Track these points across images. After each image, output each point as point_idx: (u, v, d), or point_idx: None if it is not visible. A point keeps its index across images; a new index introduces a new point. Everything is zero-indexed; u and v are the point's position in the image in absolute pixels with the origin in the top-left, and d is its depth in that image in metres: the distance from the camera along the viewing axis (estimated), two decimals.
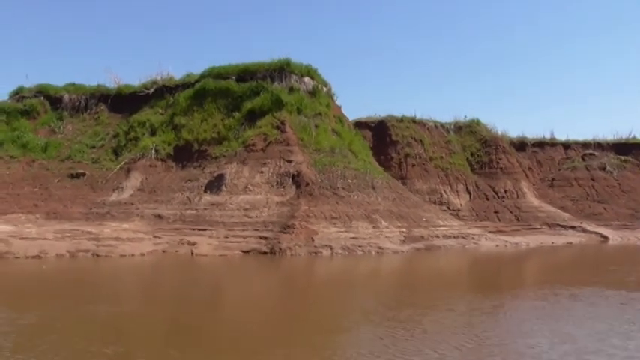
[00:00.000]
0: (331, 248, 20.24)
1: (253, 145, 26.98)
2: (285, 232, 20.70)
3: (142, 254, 19.06)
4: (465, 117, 40.54)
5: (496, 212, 33.53)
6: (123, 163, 29.16)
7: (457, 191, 34.83)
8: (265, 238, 20.87)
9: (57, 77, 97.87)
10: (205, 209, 24.14)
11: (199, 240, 20.70)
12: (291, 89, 29.30)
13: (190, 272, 16.81)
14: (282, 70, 29.89)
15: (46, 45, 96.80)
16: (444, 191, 34.53)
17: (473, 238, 24.55)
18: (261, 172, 25.60)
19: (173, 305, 11.09)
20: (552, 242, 26.84)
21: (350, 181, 25.28)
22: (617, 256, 23.90)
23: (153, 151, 29.00)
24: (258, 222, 22.35)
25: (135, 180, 27.94)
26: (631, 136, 44.80)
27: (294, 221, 21.26)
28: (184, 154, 29.01)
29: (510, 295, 12.72)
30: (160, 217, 24.19)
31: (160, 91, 32.36)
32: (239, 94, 29.66)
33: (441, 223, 25.51)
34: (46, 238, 19.38)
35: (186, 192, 26.18)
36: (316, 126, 28.03)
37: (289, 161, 25.69)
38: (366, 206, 23.86)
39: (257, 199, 24.01)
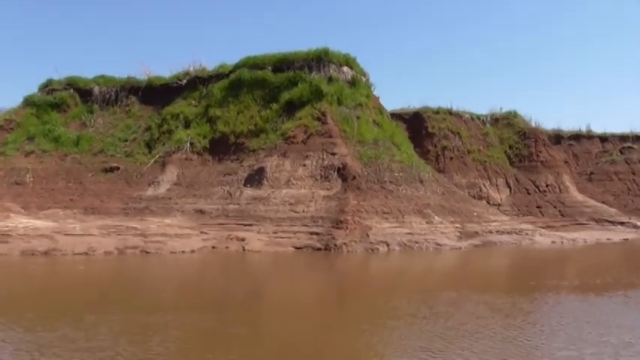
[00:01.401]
0: (387, 244, 19.28)
1: (294, 137, 26.00)
2: (338, 228, 19.74)
3: (192, 251, 18.22)
4: (501, 109, 39.33)
5: (539, 207, 32.34)
6: (157, 156, 28.33)
7: (497, 185, 33.65)
8: (317, 233, 19.94)
9: (86, 69, 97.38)
10: (248, 204, 23.25)
11: (248, 236, 19.81)
12: (330, 79, 28.29)
13: (249, 272, 15.96)
14: (320, 59, 28.88)
15: (75, 37, 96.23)
16: (484, 185, 33.37)
17: (527, 234, 23.46)
18: (304, 165, 24.64)
19: (252, 315, 10.13)
20: (608, 239, 25.63)
21: (397, 174, 24.27)
22: None
23: (188, 144, 28.14)
24: (306, 217, 21.41)
25: (171, 174, 27.10)
26: None
27: (346, 216, 20.30)
28: (220, 147, 28.12)
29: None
30: (202, 212, 23.33)
31: (193, 83, 31.47)
32: (276, 85, 28.71)
33: (492, 218, 24.45)
34: (91, 235, 18.57)
35: (226, 186, 25.30)
36: (357, 117, 27.01)
37: (333, 154, 24.71)
38: (416, 200, 22.84)
39: (302, 193, 23.06)
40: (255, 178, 24.99)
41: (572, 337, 7.87)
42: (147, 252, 17.66)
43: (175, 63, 66.71)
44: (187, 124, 29.60)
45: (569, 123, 62.19)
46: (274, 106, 28.08)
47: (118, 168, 28.05)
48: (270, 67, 29.47)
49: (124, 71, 50.45)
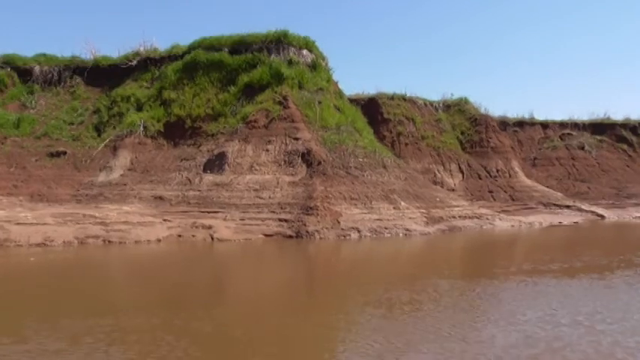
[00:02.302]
0: (358, 231, 19.14)
1: (255, 121, 25.31)
2: (308, 214, 19.39)
3: (158, 240, 17.37)
4: (452, 95, 40.08)
5: (490, 192, 33.23)
6: (108, 140, 26.85)
7: (450, 170, 34.28)
8: (286, 220, 19.52)
9: (25, 47, 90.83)
10: (210, 190, 22.46)
11: (214, 223, 19.09)
12: (290, 62, 27.69)
13: (221, 262, 15.36)
14: (279, 42, 28.19)
15: (12, 12, 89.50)
16: (438, 170, 33.89)
17: (487, 219, 24.02)
18: (267, 151, 24.06)
19: (222, 311, 9.65)
20: (559, 222, 26.70)
21: (361, 159, 24.14)
22: None
23: (141, 128, 26.81)
24: (272, 203, 20.92)
25: (124, 159, 25.78)
26: (606, 117, 45.65)
27: (316, 202, 19.97)
28: (176, 131, 27.01)
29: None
30: (161, 198, 22.33)
31: (144, 64, 30.01)
32: (234, 68, 27.82)
33: (454, 203, 24.83)
34: (46, 224, 17.29)
35: (184, 171, 24.35)
36: (319, 102, 26.60)
37: (296, 139, 24.26)
38: (382, 186, 22.81)
39: (266, 179, 22.52)
40: (216, 163, 24.18)
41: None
42: (109, 241, 16.68)
43: (124, 42, 63.44)
44: (139, 107, 28.21)
45: (513, 110, 64.02)
46: (232, 89, 27.22)
47: (65, 152, 26.38)
48: (227, 49, 28.50)
49: (67, 50, 47.54)
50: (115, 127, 27.54)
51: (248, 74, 27.22)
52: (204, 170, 24.13)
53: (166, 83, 28.34)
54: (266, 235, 18.51)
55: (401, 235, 19.66)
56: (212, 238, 17.86)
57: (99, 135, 27.76)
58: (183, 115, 27.10)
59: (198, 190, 22.63)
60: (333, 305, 9.52)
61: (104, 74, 30.41)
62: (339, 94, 29.73)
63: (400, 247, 18.25)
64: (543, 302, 9.30)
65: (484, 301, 9.62)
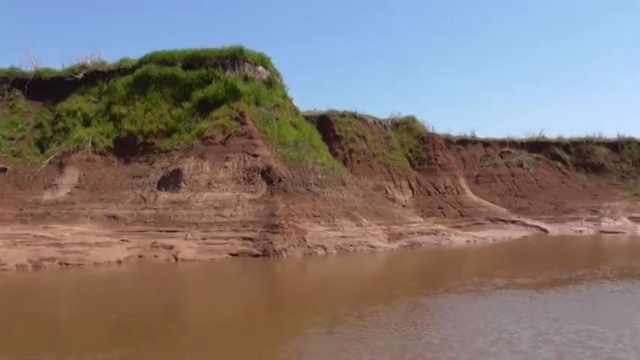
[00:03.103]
0: (325, 248, 19.03)
1: (211, 137, 24.78)
2: (273, 232, 19.06)
3: (119, 261, 16.52)
4: (400, 113, 40.98)
5: (440, 208, 34.04)
6: (53, 156, 25.50)
7: (401, 187, 34.87)
8: (250, 239, 19.10)
9: None
10: (166, 208, 21.71)
11: (176, 243, 18.41)
12: (246, 78, 27.41)
13: (188, 284, 14.74)
14: (234, 57, 27.84)
15: None
16: (389, 187, 34.37)
17: (443, 234, 24.50)
18: (225, 167, 23.58)
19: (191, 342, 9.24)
20: (509, 237, 27.67)
21: (320, 176, 24.12)
22: (590, 246, 25.20)
23: (89, 144, 25.66)
24: (235, 221, 20.45)
25: (71, 176, 24.54)
26: (541, 136, 48.01)
27: (280, 220, 19.68)
28: (127, 148, 26.02)
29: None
30: (114, 217, 21.35)
31: (91, 77, 28.83)
32: (188, 83, 27.21)
33: (411, 219, 25.21)
34: None
35: (137, 189, 23.45)
36: (276, 118, 26.44)
37: (255, 155, 23.93)
38: (343, 203, 22.83)
39: (226, 197, 22.02)
40: (171, 180, 23.43)
41: None
42: (67, 264, 15.68)
43: (68, 55, 60.65)
44: (87, 122, 27.02)
45: (456, 129, 65.99)
46: (187, 104, 26.59)
47: (5, 169, 24.81)
48: (180, 64, 27.86)
49: (5, 60, 44.89)
50: (60, 143, 26.21)
51: (203, 90, 26.70)
52: (159, 188, 23.33)
53: (116, 98, 27.32)
54: (231, 255, 18.02)
55: (366, 251, 19.70)
56: (176, 259, 17.16)
57: (42, 151, 26.34)
58: (134, 130, 26.17)
59: (154, 209, 21.81)
60: (291, 327, 9.24)
61: (47, 87, 28.95)
62: (295, 111, 29.70)
63: (367, 264, 18.28)
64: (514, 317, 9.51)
65: (445, 319, 9.69)
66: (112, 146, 26.02)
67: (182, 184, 23.02)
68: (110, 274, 15.29)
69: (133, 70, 28.22)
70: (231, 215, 20.86)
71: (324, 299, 11.72)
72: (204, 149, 24.36)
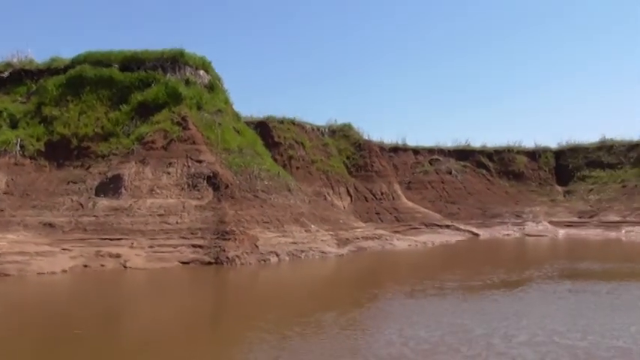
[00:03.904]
0: (277, 255, 18.94)
1: (152, 142, 24.00)
2: (225, 239, 18.73)
3: (64, 271, 15.64)
4: (336, 121, 41.57)
5: (377, 213, 34.80)
6: None
7: (339, 193, 35.33)
8: (200, 246, 18.68)
9: None
10: (107, 215, 20.76)
11: (122, 252, 17.68)
12: (188, 82, 26.82)
13: (136, 293, 14.21)
14: (175, 60, 27.18)
15: None
16: (328, 194, 34.73)
17: (386, 239, 25.10)
18: (168, 173, 22.91)
19: None
20: (446, 240, 28.77)
21: (266, 182, 24.01)
22: (521, 249, 26.59)
23: (18, 147, 24.09)
24: (182, 229, 19.91)
25: None
26: (467, 144, 50.30)
27: (231, 227, 19.39)
28: (60, 151, 24.65)
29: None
30: (50, 225, 20.15)
31: (18, 76, 27.14)
32: (126, 85, 26.23)
33: (355, 225, 25.64)
34: None
35: (73, 195, 22.29)
36: (219, 124, 26.03)
37: (199, 161, 23.42)
38: (290, 209, 22.85)
39: (170, 203, 21.39)
40: (110, 186, 22.45)
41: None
42: (6, 274, 14.67)
43: None
44: (14, 124, 25.35)
45: (389, 136, 67.01)
46: (125, 107, 25.62)
47: None
48: (117, 65, 26.80)
49: None
50: None
51: (142, 93, 25.84)
52: (97, 194, 22.29)
53: (46, 99, 25.84)
54: (182, 263, 17.53)
55: (317, 257, 19.82)
56: (125, 267, 16.47)
57: None
58: (67, 134, 24.86)
59: (94, 216, 20.80)
60: (232, 339, 9.05)
61: None
62: (237, 116, 29.40)
63: (322, 270, 18.38)
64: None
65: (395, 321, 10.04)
66: (43, 150, 24.56)
67: (123, 190, 22.12)
68: (53, 283, 14.44)
69: (65, 70, 26.84)
70: (177, 222, 20.29)
71: (285, 309, 11.56)
72: (145, 154, 23.56)
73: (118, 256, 17.22)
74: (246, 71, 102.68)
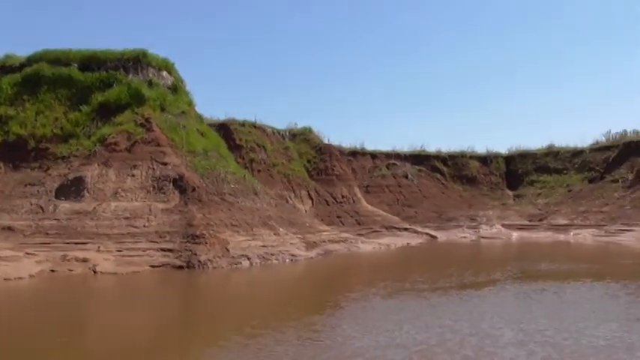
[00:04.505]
0: (248, 258, 18.91)
1: (115, 144, 23.49)
2: (196, 243, 18.54)
3: (31, 276, 15.10)
4: (296, 124, 41.73)
5: (338, 217, 35.13)
6: None
7: (301, 197, 35.46)
8: (170, 250, 18.42)
9: None
10: (70, 219, 20.18)
11: (90, 256, 17.23)
12: (151, 83, 26.40)
13: (115, 299, 13.94)
14: (137, 61, 26.72)
15: None
16: (289, 197, 34.78)
17: (351, 242, 25.45)
18: (132, 176, 22.47)
19: None
20: (407, 243, 29.41)
21: (233, 185, 23.89)
22: (480, 251, 27.47)
23: None
24: (149, 232, 19.56)
25: None
26: (422, 149, 51.47)
27: (201, 230, 19.21)
28: (16, 153, 23.87)
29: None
30: (10, 229, 19.42)
31: None
32: (86, 85, 25.65)
33: (321, 228, 25.87)
34: None
35: (32, 198, 21.58)
36: (184, 126, 25.73)
37: (164, 164, 23.07)
38: (258, 213, 22.82)
39: (136, 207, 20.99)
40: (72, 189, 21.85)
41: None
42: None
43: None
44: None
45: (347, 140, 67.28)
46: (85, 108, 25.00)
47: None
48: (76, 65, 26.10)
49: None
50: None
51: (103, 93, 25.28)
52: (58, 197, 21.65)
53: (1, 98, 24.87)
54: (153, 267, 17.24)
55: (288, 260, 19.91)
56: (94, 272, 16.07)
57: None
58: (24, 134, 24.07)
59: (55, 219, 20.19)
60: (195, 346, 8.77)
61: None
62: (200, 118, 29.09)
63: (293, 273, 18.50)
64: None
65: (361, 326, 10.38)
66: None
67: (85, 193, 21.56)
68: (22, 289, 13.95)
69: (20, 68, 25.95)
70: (144, 226, 19.92)
71: (265, 313, 11.55)
72: (107, 156, 23.03)
73: (85, 260, 16.78)
74: (204, 72, 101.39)
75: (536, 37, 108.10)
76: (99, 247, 18.22)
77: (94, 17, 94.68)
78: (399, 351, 7.93)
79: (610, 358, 7.55)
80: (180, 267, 17.48)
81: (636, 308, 11.39)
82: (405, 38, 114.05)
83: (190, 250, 18.15)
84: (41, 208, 20.92)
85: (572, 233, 34.52)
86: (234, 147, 34.76)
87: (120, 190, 21.79)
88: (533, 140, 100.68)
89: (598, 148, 47.83)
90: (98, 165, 22.65)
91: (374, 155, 48.54)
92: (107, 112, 24.93)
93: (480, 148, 52.12)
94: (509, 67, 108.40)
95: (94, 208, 20.74)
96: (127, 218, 20.21)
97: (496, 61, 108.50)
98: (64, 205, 21.00)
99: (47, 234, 19.28)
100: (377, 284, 14.66)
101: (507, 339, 8.64)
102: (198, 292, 15.19)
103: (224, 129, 35.52)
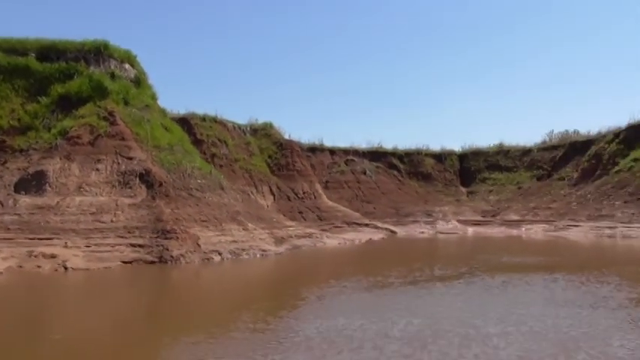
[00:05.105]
0: (220, 253, 18.87)
1: (78, 137, 22.89)
2: (167, 239, 18.35)
3: (0, 273, 14.61)
4: (257, 120, 41.65)
5: (300, 212, 35.35)
6: None
7: (262, 192, 35.49)
8: (141, 245, 18.17)
9: None
10: (32, 214, 19.57)
11: (58, 252, 16.80)
12: (113, 76, 25.83)
13: (86, 295, 13.71)
14: (98, 52, 26.08)
15: None
16: (251, 192, 34.75)
17: (317, 237, 25.75)
18: (97, 170, 21.98)
19: None
20: (370, 238, 29.96)
21: (200, 180, 23.72)
22: (441, 245, 28.28)
23: None
24: (117, 227, 19.21)
25: None
26: (379, 146, 52.35)
27: (172, 225, 19.02)
28: None
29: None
30: None
31: None
32: (44, 76, 24.88)
33: (287, 223, 26.03)
34: None
35: None
36: (148, 120, 25.31)
37: (129, 158, 22.68)
38: (226, 208, 22.77)
39: (102, 201, 20.56)
40: (33, 183, 21.19)
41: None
42: None
43: None
44: None
45: (306, 136, 67.19)
46: (44, 99, 24.26)
47: None
48: (33, 54, 25.21)
49: None
50: None
51: (63, 85, 24.58)
52: (17, 191, 20.97)
53: None
54: (125, 262, 16.98)
55: (258, 255, 19.98)
56: (65, 268, 15.70)
57: None
58: None
59: (16, 214, 19.52)
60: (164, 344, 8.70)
61: None
62: (163, 112, 28.66)
63: (266, 268, 18.58)
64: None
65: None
66: None
67: (47, 187, 20.94)
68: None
69: None
70: (112, 221, 19.55)
71: (242, 308, 11.48)
72: (70, 150, 22.42)
73: (53, 256, 16.35)
74: (161, 65, 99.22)
75: (490, 42, 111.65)
76: (66, 242, 17.78)
77: (50, 6, 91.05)
78: (392, 340, 8.26)
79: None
80: (153, 262, 17.30)
81: (595, 296, 12.10)
82: (364, 38, 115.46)
83: (162, 246, 17.97)
84: (0, 202, 20.17)
85: (524, 228, 36.03)
86: (195, 142, 34.35)
87: (84, 184, 21.26)
88: (486, 139, 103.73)
89: (545, 148, 49.98)
90: (60, 159, 22.02)
91: (332, 151, 48.97)
92: (68, 104, 24.25)
93: (435, 146, 53.49)
94: (464, 69, 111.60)
95: (58, 202, 20.18)
96: (93, 213, 19.77)
97: (451, 62, 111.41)
98: (25, 200, 20.33)
99: (8, 229, 18.61)
100: (349, 278, 15.00)
101: (491, 330, 9.10)
102: (173, 288, 15.09)
103: (184, 123, 35.02)
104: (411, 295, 12.48)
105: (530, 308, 10.64)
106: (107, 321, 10.22)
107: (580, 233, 31.25)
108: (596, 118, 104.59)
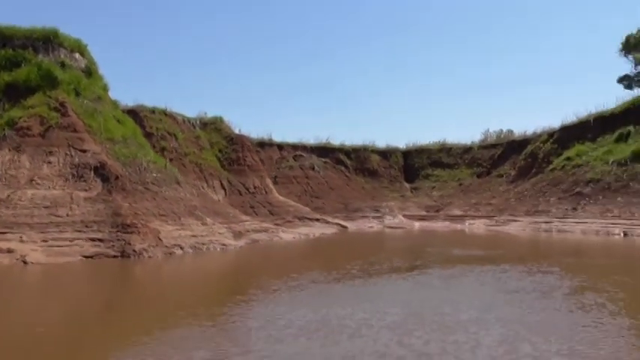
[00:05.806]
0: (181, 247, 18.88)
1: (27, 128, 22.16)
2: (128, 233, 18.17)
3: None
4: (206, 113, 41.34)
5: (252, 207, 35.45)
6: None
7: (214, 187, 35.35)
8: (100, 240, 17.91)
9: None
10: None
11: (13, 246, 16.36)
12: (63, 65, 25.06)
13: (68, 289, 13.53)
14: (48, 40, 25.22)
15: None
16: (202, 187, 34.49)
17: (273, 232, 26.06)
18: (49, 163, 21.38)
19: None
20: (322, 232, 30.56)
21: (155, 174, 23.48)
22: (392, 239, 29.17)
23: None
24: (75, 221, 18.81)
25: None
26: (327, 142, 53.07)
27: (131, 219, 18.84)
28: None
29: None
30: None
31: None
32: None
33: (243, 218, 26.18)
34: None
35: None
36: (100, 111, 24.76)
37: (83, 151, 22.17)
38: (183, 202, 22.70)
39: (56, 195, 20.03)
40: None
41: None
42: None
43: None
44: None
45: (255, 131, 66.49)
46: None
47: None
48: None
49: None
50: None
51: (10, 73, 23.65)
52: None
53: None
54: (85, 257, 16.72)
55: (219, 249, 20.11)
56: (25, 263, 15.32)
57: None
58: None
59: None
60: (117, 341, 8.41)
61: None
62: (115, 104, 28.05)
63: (229, 261, 18.76)
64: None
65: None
66: None
67: None
68: None
69: None
70: (67, 215, 19.12)
71: (205, 301, 11.79)
72: (19, 141, 21.69)
73: (10, 250, 15.91)
74: (110, 55, 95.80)
75: (433, 48, 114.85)
76: (21, 236, 17.29)
77: None
78: (386, 331, 8.80)
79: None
80: (115, 257, 17.12)
81: (544, 285, 13.12)
82: (313, 34, 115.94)
83: (123, 240, 17.79)
84: None
85: (467, 223, 37.72)
86: (144, 135, 33.73)
87: (36, 177, 20.65)
88: (428, 136, 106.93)
89: (485, 146, 52.32)
90: (9, 150, 21.27)
91: (281, 147, 49.26)
92: (15, 93, 23.36)
93: (381, 143, 54.78)
94: (409, 72, 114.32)
95: (8, 195, 19.51)
96: (47, 207, 19.25)
97: (398, 65, 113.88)
98: None
99: None
100: (315, 270, 15.47)
101: (463, 317, 9.81)
102: (136, 281, 15.05)
103: (133, 115, 34.28)
104: (380, 285, 13.09)
105: (485, 297, 11.48)
106: (60, 315, 10.12)
107: (519, 228, 33.07)
108: (530, 120, 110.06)
